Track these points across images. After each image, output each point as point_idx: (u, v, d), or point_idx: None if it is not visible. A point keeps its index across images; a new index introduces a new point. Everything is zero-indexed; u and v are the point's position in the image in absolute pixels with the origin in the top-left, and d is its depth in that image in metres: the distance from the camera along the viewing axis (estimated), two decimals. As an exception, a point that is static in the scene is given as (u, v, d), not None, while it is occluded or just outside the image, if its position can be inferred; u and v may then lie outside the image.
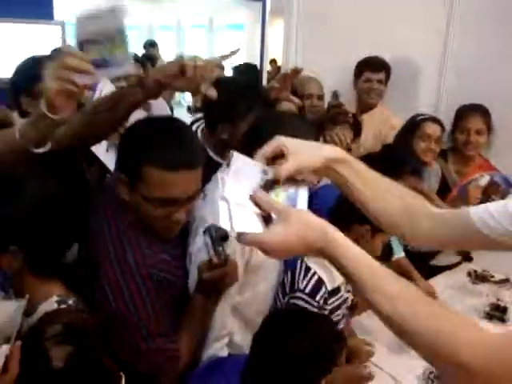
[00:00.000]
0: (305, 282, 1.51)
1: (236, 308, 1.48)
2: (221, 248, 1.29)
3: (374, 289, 0.75)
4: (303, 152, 0.88)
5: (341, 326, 1.62)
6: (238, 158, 0.86)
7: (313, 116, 2.49)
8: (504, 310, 2.11)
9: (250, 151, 0.89)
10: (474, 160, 2.55)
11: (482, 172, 2.43)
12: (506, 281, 2.40)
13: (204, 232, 1.31)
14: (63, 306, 1.13)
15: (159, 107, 2.82)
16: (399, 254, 2.31)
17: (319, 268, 1.52)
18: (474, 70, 2.65)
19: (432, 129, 2.42)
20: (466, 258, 2.70)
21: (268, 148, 0.87)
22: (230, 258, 1.32)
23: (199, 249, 1.38)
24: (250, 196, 0.81)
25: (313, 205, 1.80)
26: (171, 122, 1.35)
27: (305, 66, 2.11)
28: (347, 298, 1.65)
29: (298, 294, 1.50)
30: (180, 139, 1.24)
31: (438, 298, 2.10)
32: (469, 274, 2.45)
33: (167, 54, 7.19)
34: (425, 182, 2.46)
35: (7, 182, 1.12)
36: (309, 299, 1.48)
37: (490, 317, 2.12)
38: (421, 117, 2.48)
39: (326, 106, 2.69)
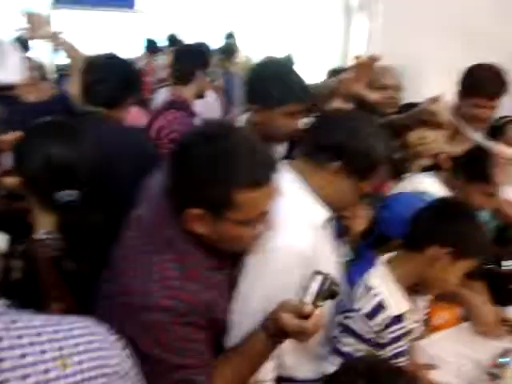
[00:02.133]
0: (362, 302, 1.35)
1: None
2: (322, 303, 1.13)
3: None
4: None
5: (403, 359, 1.42)
6: None
7: (390, 109, 2.26)
8: None
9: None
10: None
11: None
12: None
13: (316, 273, 1.15)
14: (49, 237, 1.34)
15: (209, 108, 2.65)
16: None
17: (385, 289, 1.36)
18: None
19: None
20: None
21: None
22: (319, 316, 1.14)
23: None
24: None
25: (383, 214, 1.68)
26: (227, 131, 1.16)
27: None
28: (413, 328, 1.45)
29: (353, 314, 1.35)
30: (253, 148, 1.12)
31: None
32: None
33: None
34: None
35: None
36: (364, 322, 1.33)
37: None
38: (504, 120, 2.24)
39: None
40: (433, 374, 1.63)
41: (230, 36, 6.42)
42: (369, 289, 1.37)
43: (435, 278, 1.37)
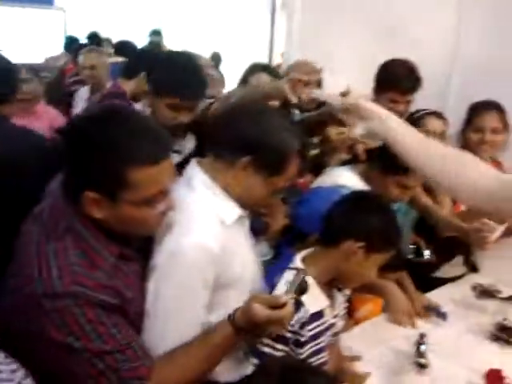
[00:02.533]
0: None
1: None
2: (294, 296, 1.15)
3: None
4: None
5: (324, 354, 1.41)
6: None
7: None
8: (510, 331, 1.92)
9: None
10: (487, 162, 2.33)
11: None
12: (514, 297, 2.19)
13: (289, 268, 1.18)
14: None
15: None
16: None
17: None
18: (484, 68, 2.42)
19: (432, 125, 2.24)
20: (473, 268, 2.51)
21: None
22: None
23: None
24: None
25: (300, 209, 1.68)
26: (118, 113, 1.16)
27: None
28: (333, 323, 1.45)
29: None
30: (143, 128, 1.12)
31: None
32: (474, 288, 2.24)
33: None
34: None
35: None
36: None
37: (495, 338, 1.94)
38: (421, 112, 2.29)
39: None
40: (357, 366, 1.64)
41: (155, 33, 6.27)
42: None
43: (352, 273, 1.37)
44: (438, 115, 2.28)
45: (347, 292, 1.48)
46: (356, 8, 3.04)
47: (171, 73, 1.70)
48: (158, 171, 1.10)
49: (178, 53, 2.11)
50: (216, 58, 5.96)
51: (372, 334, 1.88)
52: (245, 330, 1.16)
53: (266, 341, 1.29)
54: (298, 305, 1.26)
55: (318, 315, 1.35)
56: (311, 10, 3.21)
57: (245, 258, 1.36)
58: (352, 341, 1.79)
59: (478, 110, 2.31)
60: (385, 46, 2.48)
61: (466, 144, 2.33)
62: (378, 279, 1.82)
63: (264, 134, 1.25)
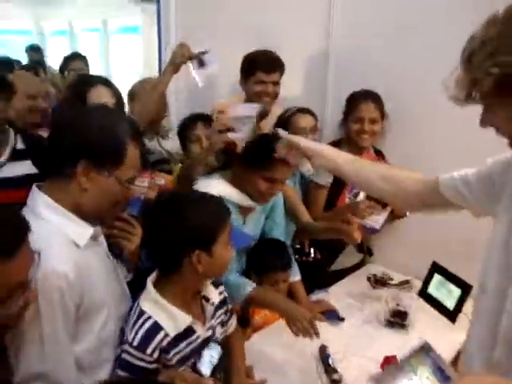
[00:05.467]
0: (134, 332, 1.19)
1: (78, 360, 1.16)
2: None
3: None
4: None
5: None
6: None
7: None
8: (404, 315, 1.94)
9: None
10: (368, 151, 2.36)
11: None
12: (405, 282, 2.23)
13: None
14: None
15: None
16: (295, 276, 2.07)
17: (157, 310, 1.22)
18: (360, 56, 2.45)
19: (303, 121, 2.21)
20: (369, 253, 2.55)
21: None
22: None
23: None
24: None
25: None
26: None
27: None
28: (209, 336, 1.34)
29: (125, 348, 1.19)
30: None
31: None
32: (368, 279, 2.25)
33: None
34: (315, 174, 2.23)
35: None
36: (137, 353, 1.18)
37: (391, 325, 1.95)
38: (289, 112, 2.26)
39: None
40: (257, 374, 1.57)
41: (33, 49, 5.83)
42: (140, 314, 1.22)
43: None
44: (308, 111, 2.26)
45: (215, 301, 1.36)
46: (226, 9, 2.98)
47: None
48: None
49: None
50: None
51: (275, 337, 1.83)
52: None
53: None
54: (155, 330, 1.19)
55: (185, 334, 1.25)
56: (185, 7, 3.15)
57: (106, 279, 1.24)
58: (255, 346, 1.75)
59: (355, 101, 2.33)
60: (258, 47, 2.42)
61: (347, 133, 2.36)
62: (274, 298, 1.77)
63: (87, 131, 1.16)
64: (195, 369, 1.11)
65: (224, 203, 1.31)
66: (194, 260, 1.19)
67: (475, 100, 0.91)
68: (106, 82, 1.96)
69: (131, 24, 7.12)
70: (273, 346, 1.79)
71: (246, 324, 1.93)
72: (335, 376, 1.60)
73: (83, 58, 4.03)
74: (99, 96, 1.87)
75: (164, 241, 1.18)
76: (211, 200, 1.28)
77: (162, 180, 1.91)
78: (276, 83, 2.36)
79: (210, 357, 1.12)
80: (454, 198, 1.23)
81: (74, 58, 3.94)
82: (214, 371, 1.10)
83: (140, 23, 7.16)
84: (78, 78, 2.12)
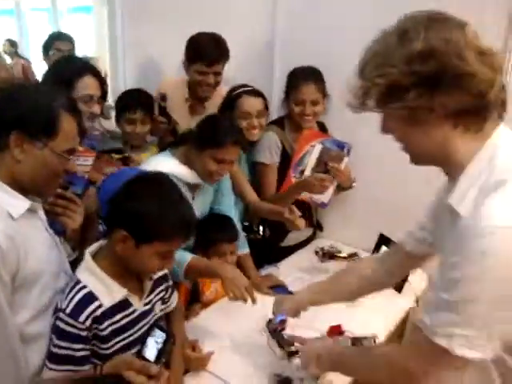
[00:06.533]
0: (68, 299, 1.19)
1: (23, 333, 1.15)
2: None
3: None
4: None
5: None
6: None
7: None
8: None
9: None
10: (311, 128, 2.32)
11: (311, 142, 2.26)
12: (354, 255, 2.28)
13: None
14: None
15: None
16: (243, 249, 2.11)
17: (93, 280, 1.22)
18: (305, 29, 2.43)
19: (249, 104, 2.15)
20: (319, 227, 2.61)
21: None
22: None
23: None
24: None
25: (101, 196, 1.54)
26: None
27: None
28: (147, 310, 1.35)
29: (59, 314, 1.19)
30: None
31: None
32: (316, 253, 2.29)
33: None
34: (260, 154, 2.27)
35: None
36: (69, 320, 1.17)
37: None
38: (236, 91, 2.20)
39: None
40: (204, 350, 1.59)
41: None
42: (76, 283, 1.22)
43: (132, 262, 1.24)
44: (256, 93, 2.18)
45: (153, 276, 1.36)
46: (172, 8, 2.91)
47: None
48: None
49: None
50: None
51: (222, 314, 1.84)
52: None
53: (62, 343, 1.17)
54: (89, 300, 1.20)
55: (121, 306, 1.25)
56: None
57: (42, 252, 1.22)
58: (203, 322, 1.75)
59: (296, 80, 2.26)
60: (203, 27, 2.37)
61: (290, 114, 2.32)
62: (210, 263, 1.79)
63: (19, 102, 1.16)
64: (140, 355, 1.10)
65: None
66: (119, 236, 1.19)
67: (369, 108, 0.96)
68: (93, 71, 1.84)
69: (83, 4, 6.90)
70: (221, 321, 1.80)
71: (196, 299, 1.94)
72: (292, 348, 1.57)
73: (70, 39, 3.85)
74: (86, 88, 1.78)
75: None
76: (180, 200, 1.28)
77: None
78: (218, 73, 2.32)
79: (155, 343, 1.12)
80: (420, 249, 1.26)
81: (61, 38, 3.74)
82: (160, 356, 1.10)
83: (91, 3, 6.96)
84: (65, 63, 1.98)
